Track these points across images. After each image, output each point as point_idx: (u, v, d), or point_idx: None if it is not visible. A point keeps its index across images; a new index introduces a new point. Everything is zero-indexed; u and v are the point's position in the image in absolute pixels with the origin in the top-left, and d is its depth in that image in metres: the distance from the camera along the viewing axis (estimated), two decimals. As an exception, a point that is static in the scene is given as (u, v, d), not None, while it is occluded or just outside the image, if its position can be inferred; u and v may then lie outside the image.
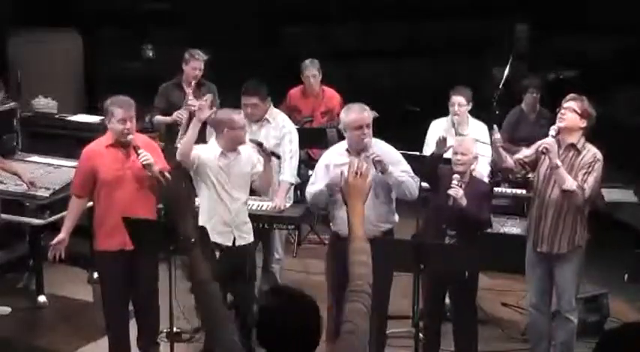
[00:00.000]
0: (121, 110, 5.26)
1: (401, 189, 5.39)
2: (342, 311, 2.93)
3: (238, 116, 5.55)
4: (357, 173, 3.21)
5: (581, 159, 5.34)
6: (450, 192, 5.28)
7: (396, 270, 5.46)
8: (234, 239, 5.51)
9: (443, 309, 5.79)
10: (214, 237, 5.42)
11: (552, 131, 5.31)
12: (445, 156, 5.63)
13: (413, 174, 5.46)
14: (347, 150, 5.46)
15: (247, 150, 5.60)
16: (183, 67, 7.30)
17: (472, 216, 5.34)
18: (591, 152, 5.36)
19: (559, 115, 5.38)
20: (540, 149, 5.30)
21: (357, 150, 5.36)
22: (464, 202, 5.28)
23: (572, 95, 5.45)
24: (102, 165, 5.32)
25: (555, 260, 5.47)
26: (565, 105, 5.38)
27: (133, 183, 5.31)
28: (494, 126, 5.63)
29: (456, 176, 5.35)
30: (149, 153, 5.23)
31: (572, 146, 5.36)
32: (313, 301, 2.78)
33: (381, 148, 5.42)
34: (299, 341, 2.72)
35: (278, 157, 5.83)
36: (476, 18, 11.00)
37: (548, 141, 5.25)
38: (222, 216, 5.46)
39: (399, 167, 5.42)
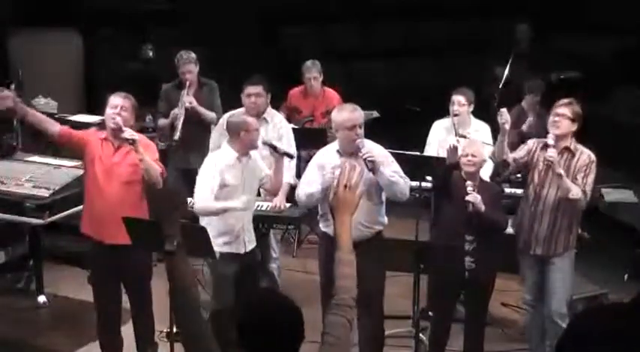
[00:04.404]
0: (114, 97, 5.37)
1: (392, 189, 5.32)
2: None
3: (252, 119, 5.55)
4: (346, 186, 3.07)
5: (577, 162, 5.37)
6: (469, 198, 5.23)
7: (397, 271, 5.45)
8: (245, 244, 5.51)
9: (455, 310, 5.77)
10: (226, 246, 5.42)
11: (551, 140, 5.30)
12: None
13: (403, 175, 5.40)
14: (338, 151, 5.39)
15: (255, 154, 5.59)
16: (177, 70, 7.34)
17: (490, 220, 5.31)
18: (585, 153, 5.39)
19: (552, 122, 5.37)
20: (544, 163, 5.32)
21: (349, 151, 5.30)
22: (482, 207, 5.24)
23: (563, 100, 5.43)
24: (96, 152, 5.36)
25: (548, 262, 5.47)
26: (558, 111, 5.37)
27: (116, 180, 5.32)
28: (504, 109, 5.51)
29: (469, 183, 5.31)
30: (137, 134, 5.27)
31: (567, 149, 5.39)
32: (292, 300, 2.74)
33: (371, 148, 5.32)
34: (282, 340, 2.68)
35: (291, 157, 5.77)
36: (476, 18, 11.00)
37: (552, 154, 5.25)
38: (234, 222, 5.44)
39: (390, 167, 5.35)
